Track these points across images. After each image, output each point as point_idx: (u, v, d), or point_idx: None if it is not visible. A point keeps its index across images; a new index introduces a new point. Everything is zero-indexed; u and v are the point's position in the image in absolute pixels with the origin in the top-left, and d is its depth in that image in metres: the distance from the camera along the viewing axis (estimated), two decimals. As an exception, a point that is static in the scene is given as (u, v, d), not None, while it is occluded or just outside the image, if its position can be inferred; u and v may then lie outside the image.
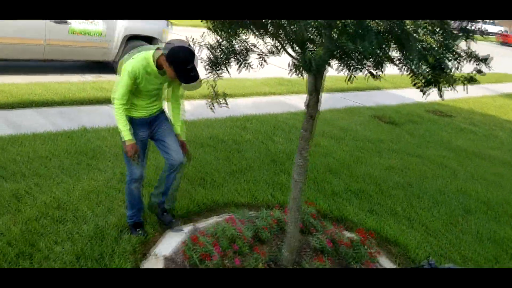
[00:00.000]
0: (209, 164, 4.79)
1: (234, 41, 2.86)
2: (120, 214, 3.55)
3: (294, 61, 2.78)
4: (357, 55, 2.52)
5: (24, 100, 5.90)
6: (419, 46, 2.43)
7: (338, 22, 2.41)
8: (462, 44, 2.49)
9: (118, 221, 3.45)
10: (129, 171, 3.30)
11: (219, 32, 2.83)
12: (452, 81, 2.53)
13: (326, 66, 2.65)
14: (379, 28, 2.49)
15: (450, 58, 2.50)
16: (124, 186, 3.51)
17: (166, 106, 3.42)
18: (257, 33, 2.84)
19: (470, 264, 3.75)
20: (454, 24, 2.50)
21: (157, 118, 3.35)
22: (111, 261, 3.02)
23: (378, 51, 2.47)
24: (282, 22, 2.66)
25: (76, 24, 7.23)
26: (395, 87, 11.24)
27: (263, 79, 9.37)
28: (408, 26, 2.42)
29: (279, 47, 2.87)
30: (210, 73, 2.88)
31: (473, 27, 2.46)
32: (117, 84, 3.07)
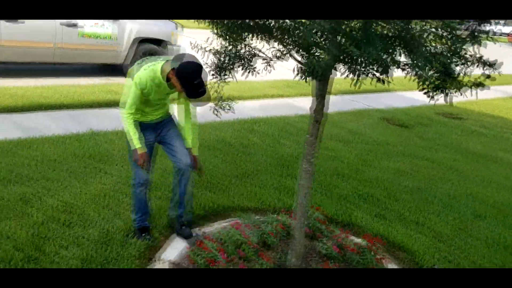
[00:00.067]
0: (216, 167, 4.79)
1: (239, 46, 2.86)
2: (126, 218, 3.56)
3: (299, 65, 2.77)
4: (362, 60, 2.50)
5: (34, 103, 5.95)
6: (426, 51, 2.41)
7: (343, 27, 2.40)
8: (472, 47, 2.46)
9: (125, 225, 3.46)
10: (135, 175, 3.31)
11: (224, 36, 2.82)
12: (459, 86, 2.50)
13: (332, 70, 2.63)
14: (386, 32, 2.47)
15: (457, 63, 2.47)
16: (131, 189, 3.52)
17: (176, 112, 3.42)
18: (262, 37, 2.83)
19: (479, 270, 3.71)
20: (464, 27, 2.46)
21: (164, 122, 3.37)
22: (116, 266, 3.02)
23: (384, 56, 2.44)
24: (287, 26, 2.65)
25: (86, 27, 7.28)
26: (405, 89, 11.16)
27: (271, 81, 9.35)
28: (414, 31, 2.40)
29: (284, 52, 2.86)
30: (215, 78, 2.87)
31: (484, 28, 2.43)
32: (125, 93, 3.09)
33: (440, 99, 2.62)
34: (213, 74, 2.86)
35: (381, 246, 3.63)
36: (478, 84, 2.50)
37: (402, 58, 2.57)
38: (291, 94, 8.90)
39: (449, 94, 2.53)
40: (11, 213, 3.41)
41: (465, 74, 2.48)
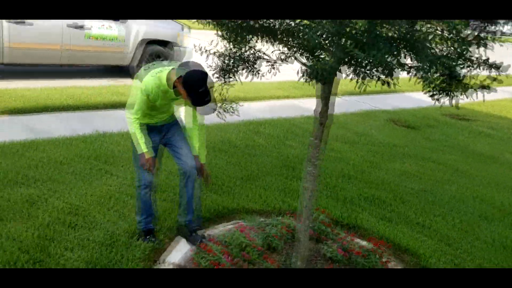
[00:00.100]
0: (221, 169, 4.79)
1: (244, 48, 2.86)
2: (131, 220, 3.56)
3: (304, 68, 2.76)
4: (367, 62, 2.49)
5: (41, 104, 5.99)
6: (431, 54, 2.39)
7: (347, 29, 2.38)
8: (478, 50, 2.44)
9: (129, 227, 3.46)
10: (139, 176, 3.32)
11: (229, 38, 2.82)
12: (465, 89, 2.48)
13: (338, 71, 2.62)
14: (390, 34, 2.45)
15: (463, 66, 2.45)
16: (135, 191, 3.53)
17: (183, 116, 3.43)
18: (266, 39, 2.83)
19: (486, 274, 3.67)
20: (471, 27, 2.44)
21: (169, 125, 3.37)
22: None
23: (389, 59, 2.43)
24: (291, 28, 2.64)
25: (93, 29, 7.32)
26: (412, 90, 11.10)
27: (277, 82, 9.34)
28: (419, 33, 2.38)
29: (288, 54, 2.85)
30: (219, 81, 2.87)
31: (491, 29, 2.40)
32: (132, 94, 3.11)
33: (446, 101, 2.60)
34: (217, 77, 2.85)
35: (387, 249, 3.61)
36: (484, 87, 2.47)
37: (408, 61, 2.55)
38: (297, 95, 8.89)
39: (454, 97, 2.51)
40: (17, 215, 3.43)
41: (471, 77, 2.46)
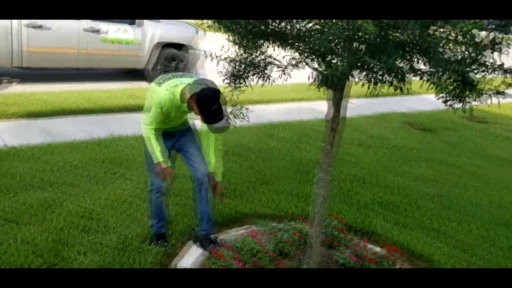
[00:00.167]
0: (233, 172, 4.79)
1: (254, 54, 2.85)
2: (144, 224, 3.58)
3: (314, 73, 2.74)
4: (378, 68, 2.46)
5: (57, 108, 6.08)
6: (444, 59, 2.35)
7: (360, 34, 2.36)
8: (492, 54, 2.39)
9: (142, 232, 3.49)
10: (151, 180, 3.34)
11: (240, 43, 2.82)
12: (479, 95, 2.44)
13: (350, 76, 2.59)
14: (403, 38, 2.42)
15: (477, 71, 2.41)
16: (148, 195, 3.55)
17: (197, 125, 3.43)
18: (277, 44, 2.82)
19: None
20: (487, 28, 2.39)
21: (182, 131, 3.39)
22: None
23: (401, 64, 2.40)
24: (302, 33, 2.63)
25: (109, 33, 7.40)
26: (428, 92, 10.95)
27: (291, 84, 9.29)
28: (431, 38, 2.34)
29: (299, 60, 2.84)
30: (229, 86, 2.88)
31: (507, 32, 2.35)
32: (147, 97, 3.16)
33: (460, 106, 2.55)
34: (227, 83, 2.86)
35: (401, 256, 3.57)
36: (499, 93, 2.43)
37: (421, 65, 2.52)
38: (312, 98, 8.83)
39: (468, 103, 2.47)
40: (32, 219, 3.48)
41: (485, 82, 2.42)
